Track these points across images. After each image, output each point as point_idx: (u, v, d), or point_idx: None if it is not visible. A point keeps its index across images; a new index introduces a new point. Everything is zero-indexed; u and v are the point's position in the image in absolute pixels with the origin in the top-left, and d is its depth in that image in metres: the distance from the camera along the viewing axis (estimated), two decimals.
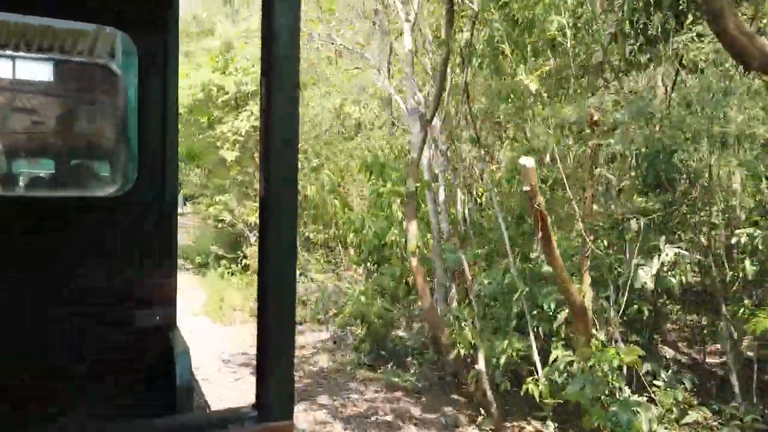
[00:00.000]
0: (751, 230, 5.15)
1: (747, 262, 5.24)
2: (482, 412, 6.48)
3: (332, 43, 11.41)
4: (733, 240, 5.34)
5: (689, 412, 5.33)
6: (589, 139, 5.11)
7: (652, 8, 4.82)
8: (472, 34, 5.39)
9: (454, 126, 6.83)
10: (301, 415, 6.88)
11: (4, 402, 2.20)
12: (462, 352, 6.47)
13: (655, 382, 5.59)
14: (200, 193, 22.61)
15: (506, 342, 6.18)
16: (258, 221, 1.33)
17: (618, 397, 4.74)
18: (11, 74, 2.89)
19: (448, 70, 6.71)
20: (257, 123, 14.35)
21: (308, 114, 13.70)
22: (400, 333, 9.11)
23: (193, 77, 13.85)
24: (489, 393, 6.18)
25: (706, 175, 5.88)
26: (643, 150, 5.46)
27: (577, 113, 4.68)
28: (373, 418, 6.85)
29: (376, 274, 8.94)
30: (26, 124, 3.32)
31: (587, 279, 5.48)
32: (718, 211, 5.78)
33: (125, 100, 2.70)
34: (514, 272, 6.11)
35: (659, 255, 5.28)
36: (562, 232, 6.75)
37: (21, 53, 2.69)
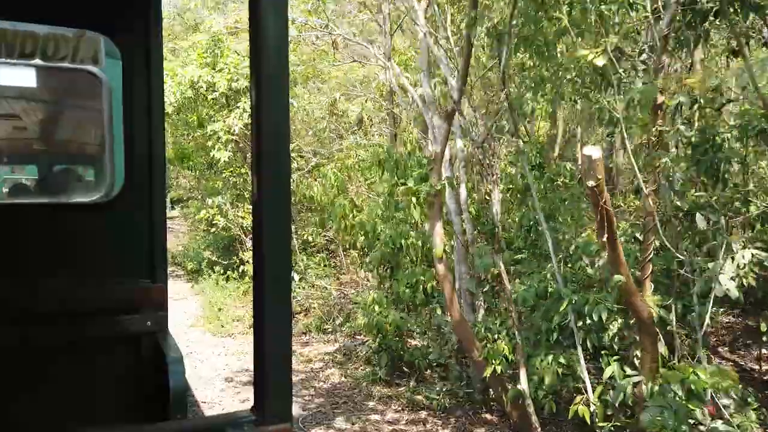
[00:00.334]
0: None
1: None
2: None
3: (330, 33, 10.63)
4: None
5: None
6: (651, 124, 4.40)
7: None
8: (514, 7, 4.64)
9: (483, 116, 6.09)
10: None
11: None
12: (498, 368, 5.74)
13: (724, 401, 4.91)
14: (189, 196, 21.78)
15: (550, 357, 5.47)
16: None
17: (703, 425, 4.04)
18: None
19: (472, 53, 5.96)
20: (250, 120, 13.45)
21: (304, 110, 12.94)
22: (417, 344, 8.37)
23: (180, 75, 12.98)
24: (533, 416, 5.46)
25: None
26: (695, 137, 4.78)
27: (644, 95, 3.96)
28: None
29: (390, 281, 8.17)
30: (9, 130, 3.30)
31: (649, 287, 4.77)
32: None
33: (110, 104, 2.65)
34: (559, 278, 5.39)
35: (731, 256, 4.58)
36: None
37: (2, 59, 2.61)
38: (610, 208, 3.99)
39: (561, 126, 10.24)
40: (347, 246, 12.63)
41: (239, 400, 7.32)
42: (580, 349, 5.41)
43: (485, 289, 6.78)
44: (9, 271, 2.30)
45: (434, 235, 5.98)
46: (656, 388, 4.50)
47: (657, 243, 5.44)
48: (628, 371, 4.73)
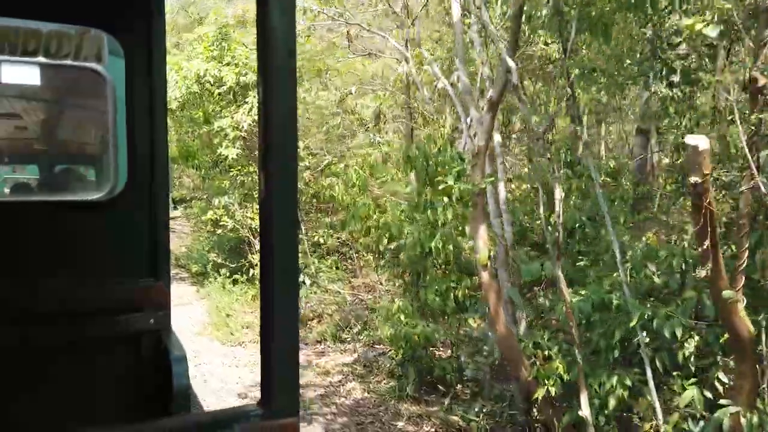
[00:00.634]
0: None
1: None
2: None
3: (347, 22, 9.94)
4: None
5: None
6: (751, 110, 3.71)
7: None
8: None
9: (534, 106, 5.39)
10: None
11: None
12: (552, 389, 5.05)
13: None
14: (192, 196, 21.08)
15: (614, 379, 4.78)
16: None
17: None
18: None
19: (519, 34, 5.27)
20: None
21: (314, 105, 12.24)
22: (445, 355, 7.69)
23: (186, 68, 12.28)
24: None
25: None
26: None
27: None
28: None
29: (416, 288, 7.48)
30: (11, 128, 3.26)
31: (742, 301, 4.08)
32: None
33: (114, 102, 2.61)
34: (626, 288, 4.70)
35: None
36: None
37: (6, 57, 2.59)
38: (715, 210, 3.31)
39: (585, 120, 9.57)
40: (362, 248, 11.96)
41: None
42: (649, 369, 4.72)
43: (527, 298, 6.08)
44: (10, 270, 2.27)
45: (477, 239, 5.29)
46: (755, 419, 3.82)
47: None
48: (722, 401, 4.04)
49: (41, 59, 2.58)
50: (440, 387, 7.11)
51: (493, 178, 5.52)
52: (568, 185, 6.32)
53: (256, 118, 12.57)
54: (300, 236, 12.67)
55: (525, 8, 5.23)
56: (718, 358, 4.50)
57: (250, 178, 12.48)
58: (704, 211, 3.28)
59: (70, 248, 2.45)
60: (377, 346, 9.10)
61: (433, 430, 6.21)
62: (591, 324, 5.16)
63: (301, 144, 12.39)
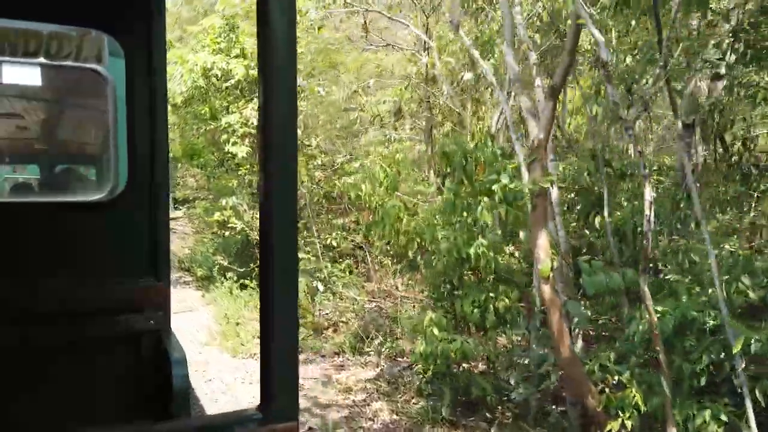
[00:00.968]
0: None
1: None
2: None
3: (368, 9, 9.19)
4: None
5: None
6: None
7: None
8: None
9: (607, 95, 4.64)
10: None
11: None
12: (628, 424, 4.30)
13: None
14: (195, 196, 20.31)
15: (707, 413, 4.04)
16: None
17: None
18: None
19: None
20: None
21: (325, 100, 11.48)
22: (478, 369, 6.95)
23: (192, 61, 11.50)
24: None
25: None
26: None
27: None
28: None
29: (451, 298, 6.72)
30: (10, 129, 3.24)
31: None
32: None
33: (113, 103, 2.58)
34: (724, 307, 3.95)
35: None
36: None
37: (7, 57, 2.58)
38: None
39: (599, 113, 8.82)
40: (378, 252, 11.21)
41: None
42: (748, 401, 3.98)
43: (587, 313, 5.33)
44: (10, 271, 2.26)
45: (537, 248, 4.54)
46: None
47: None
48: None
49: (42, 60, 2.57)
50: (479, 408, 6.37)
51: (553, 177, 4.78)
52: (625, 186, 5.57)
53: None
54: (312, 239, 11.95)
55: None
56: None
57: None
58: None
59: (70, 248, 2.43)
60: (400, 359, 8.37)
61: None
62: (671, 346, 4.42)
63: (313, 141, 11.66)
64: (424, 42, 10.28)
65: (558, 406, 5.68)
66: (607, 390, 4.54)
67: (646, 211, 3.82)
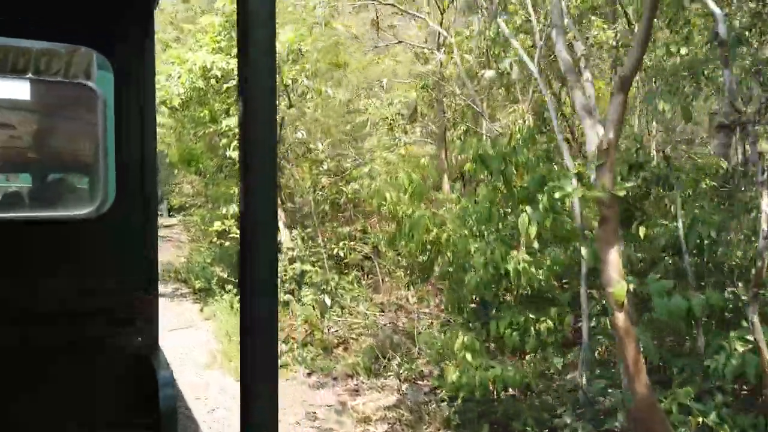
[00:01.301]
0: None
1: None
2: None
3: (381, 2, 8.48)
4: None
5: None
6: None
7: None
8: None
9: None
10: None
11: None
12: None
13: None
14: (191, 203, 19.50)
15: None
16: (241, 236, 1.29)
17: None
18: None
19: None
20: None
21: (338, 102, 10.77)
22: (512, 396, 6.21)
23: (191, 61, 10.77)
24: None
25: None
26: None
27: None
28: None
29: (484, 319, 6.00)
30: (4, 138, 3.23)
31: None
32: None
33: (103, 117, 2.58)
34: None
35: None
36: None
37: None
38: None
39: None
40: (389, 263, 10.48)
41: None
42: None
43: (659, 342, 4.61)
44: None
45: (607, 267, 3.82)
46: None
47: None
48: None
49: (31, 76, 2.56)
50: None
51: (629, 184, 4.08)
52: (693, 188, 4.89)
53: None
54: (317, 248, 11.22)
55: None
56: None
57: None
58: None
59: (58, 262, 2.39)
60: (420, 382, 7.62)
61: None
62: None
63: (319, 145, 10.94)
64: (438, 39, 9.60)
65: None
66: None
67: (763, 225, 3.13)
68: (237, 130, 10.32)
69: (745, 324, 3.99)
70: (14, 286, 2.26)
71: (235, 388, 7.56)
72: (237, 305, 10.66)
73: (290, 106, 10.77)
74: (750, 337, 3.67)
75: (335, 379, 7.97)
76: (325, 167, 10.87)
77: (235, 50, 10.82)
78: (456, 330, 6.42)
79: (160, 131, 13.79)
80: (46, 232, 2.45)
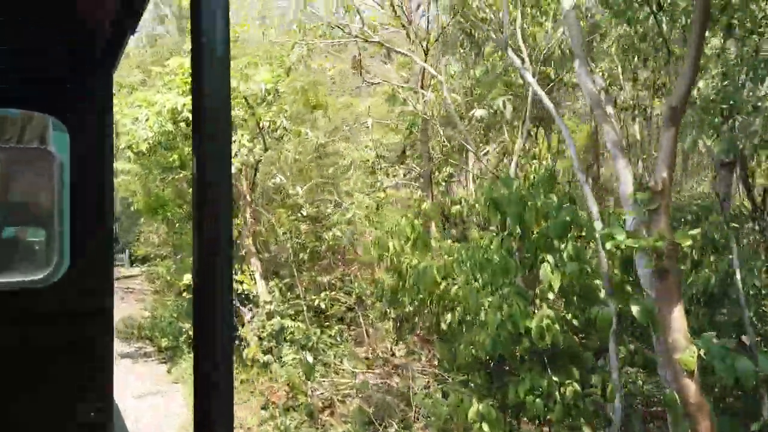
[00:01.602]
0: None
1: None
2: None
3: (367, 40, 7.99)
4: None
5: None
6: None
7: None
8: None
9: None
10: None
11: None
12: None
13: None
14: (156, 253, 18.44)
15: None
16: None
17: None
18: None
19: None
20: (248, 157, 10.80)
21: (317, 144, 10.17)
22: None
23: (159, 103, 10.09)
24: None
25: None
26: None
27: None
28: None
29: (504, 383, 5.30)
30: None
31: None
32: None
33: (60, 180, 2.49)
34: None
35: None
36: None
37: None
38: None
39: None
40: (375, 316, 9.73)
41: None
42: None
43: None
44: None
45: (672, 329, 3.21)
46: None
47: None
48: None
49: None
50: None
51: (695, 232, 3.53)
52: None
53: (243, 160, 10.46)
54: (298, 300, 10.41)
55: None
56: None
57: (237, 231, 10.20)
58: None
59: (6, 332, 2.24)
60: None
61: None
62: None
63: (299, 190, 10.28)
64: (423, 79, 9.18)
65: None
66: None
67: None
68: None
69: None
70: None
71: None
72: None
73: (266, 149, 10.13)
74: None
75: None
76: (304, 213, 10.17)
77: None
78: (458, 392, 5.70)
79: (125, 177, 12.92)
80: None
